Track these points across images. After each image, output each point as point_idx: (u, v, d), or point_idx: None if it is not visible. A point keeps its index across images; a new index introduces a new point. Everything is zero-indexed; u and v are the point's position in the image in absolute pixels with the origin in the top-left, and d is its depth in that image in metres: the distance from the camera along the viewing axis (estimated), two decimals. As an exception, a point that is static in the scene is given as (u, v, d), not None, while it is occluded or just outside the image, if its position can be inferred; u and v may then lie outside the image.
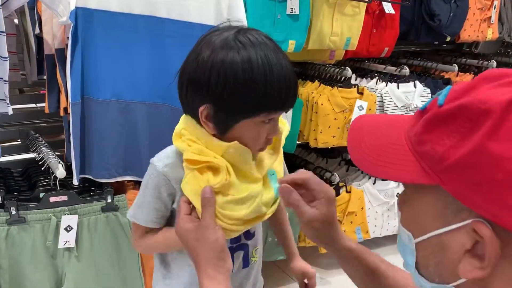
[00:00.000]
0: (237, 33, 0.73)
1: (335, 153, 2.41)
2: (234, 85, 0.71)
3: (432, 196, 0.49)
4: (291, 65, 0.76)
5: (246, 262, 0.91)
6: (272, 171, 0.82)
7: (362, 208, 2.14)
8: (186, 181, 0.77)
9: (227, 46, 0.71)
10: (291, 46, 1.76)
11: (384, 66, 2.23)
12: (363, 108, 1.94)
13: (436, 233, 0.50)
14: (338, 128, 1.94)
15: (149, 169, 0.83)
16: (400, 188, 2.33)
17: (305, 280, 1.01)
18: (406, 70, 2.11)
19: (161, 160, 0.82)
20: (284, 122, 0.88)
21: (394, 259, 0.89)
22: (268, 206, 0.81)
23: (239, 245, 0.89)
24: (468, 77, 2.47)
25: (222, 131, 0.76)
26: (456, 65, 2.41)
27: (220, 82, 0.71)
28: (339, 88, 1.94)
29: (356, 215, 2.14)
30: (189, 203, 0.76)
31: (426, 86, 2.21)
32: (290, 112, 1.82)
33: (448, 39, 2.44)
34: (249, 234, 0.91)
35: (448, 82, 2.40)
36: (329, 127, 1.92)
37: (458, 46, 2.94)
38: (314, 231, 0.75)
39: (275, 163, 0.85)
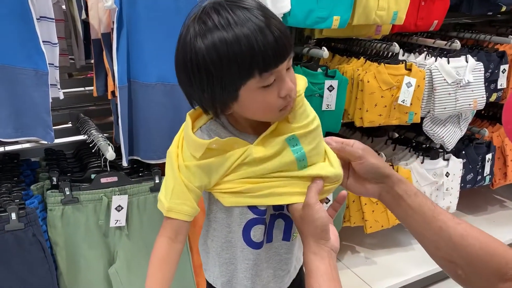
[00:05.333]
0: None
1: (381, 132, 2.35)
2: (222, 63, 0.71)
3: None
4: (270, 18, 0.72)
5: (287, 235, 0.91)
6: (290, 136, 0.81)
7: (409, 188, 2.09)
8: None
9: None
10: (335, 22, 1.71)
11: (433, 40, 2.13)
12: (411, 85, 1.87)
13: None
14: (385, 106, 1.88)
15: None
16: (450, 168, 2.25)
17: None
18: (457, 44, 2.01)
19: None
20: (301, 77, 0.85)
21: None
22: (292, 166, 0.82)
23: (280, 213, 0.89)
24: (525, 49, 2.33)
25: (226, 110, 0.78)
26: (512, 37, 2.28)
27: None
28: (386, 64, 1.87)
29: (403, 195, 2.09)
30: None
31: (478, 60, 2.10)
32: (334, 90, 1.79)
33: (503, 9, 2.30)
34: None
35: (503, 55, 2.27)
36: (376, 105, 1.86)
37: (514, 16, 2.77)
38: (367, 164, 0.84)
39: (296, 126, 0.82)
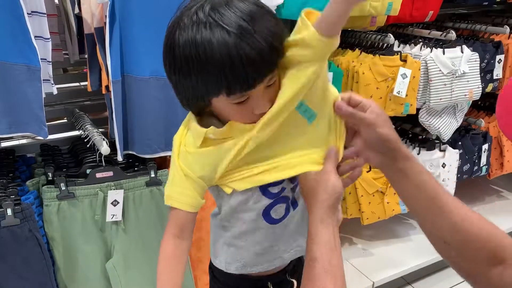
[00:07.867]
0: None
1: (377, 124, 2.35)
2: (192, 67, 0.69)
3: None
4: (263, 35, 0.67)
5: (295, 203, 0.89)
6: (299, 104, 0.77)
7: (406, 179, 2.09)
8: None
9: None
10: (329, 14, 1.70)
11: (429, 31, 2.13)
12: (406, 76, 1.87)
13: None
14: (381, 97, 1.88)
15: None
16: (446, 159, 2.25)
17: None
18: (452, 34, 2.01)
19: None
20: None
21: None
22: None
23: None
24: (521, 39, 2.32)
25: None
26: (507, 27, 2.27)
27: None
28: (381, 56, 1.87)
29: (399, 186, 2.09)
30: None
31: (474, 51, 2.09)
32: (330, 82, 1.78)
33: (499, -1, 2.30)
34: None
35: (498, 45, 2.26)
36: (371, 97, 1.86)
37: (510, 6, 2.76)
38: (376, 134, 0.79)
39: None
